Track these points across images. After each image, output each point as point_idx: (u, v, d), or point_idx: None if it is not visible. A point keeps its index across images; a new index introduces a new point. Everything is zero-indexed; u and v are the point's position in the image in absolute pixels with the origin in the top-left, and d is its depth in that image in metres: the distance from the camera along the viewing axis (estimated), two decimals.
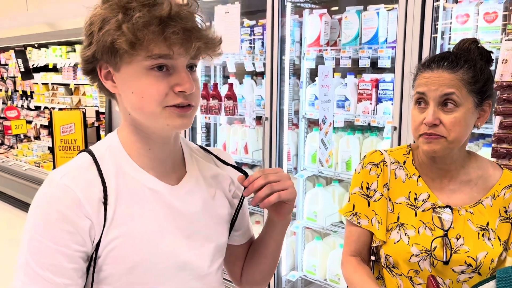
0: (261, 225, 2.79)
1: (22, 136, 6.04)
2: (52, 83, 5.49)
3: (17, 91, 6.11)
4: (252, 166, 3.00)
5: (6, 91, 6.32)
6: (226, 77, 3.27)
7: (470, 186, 1.14)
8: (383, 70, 2.37)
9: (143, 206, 0.84)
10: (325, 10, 2.49)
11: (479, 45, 1.11)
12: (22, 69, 5.09)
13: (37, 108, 5.80)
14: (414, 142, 1.43)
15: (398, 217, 1.14)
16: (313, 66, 2.59)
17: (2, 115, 6.29)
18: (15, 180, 5.21)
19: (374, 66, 2.44)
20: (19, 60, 5.09)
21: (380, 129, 2.50)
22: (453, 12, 1.98)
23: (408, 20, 2.00)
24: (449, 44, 2.01)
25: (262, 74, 2.94)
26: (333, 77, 2.43)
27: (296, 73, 2.69)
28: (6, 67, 6.21)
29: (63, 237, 0.77)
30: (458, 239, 1.08)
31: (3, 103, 6.42)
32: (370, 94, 2.35)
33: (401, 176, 1.17)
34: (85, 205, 0.79)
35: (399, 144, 2.08)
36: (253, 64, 2.81)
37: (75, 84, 5.15)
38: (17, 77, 5.89)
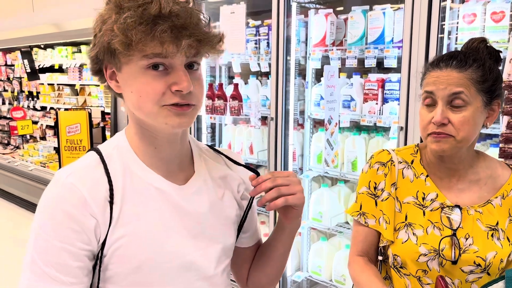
0: (266, 226, 2.79)
1: (28, 137, 6.07)
2: (58, 84, 5.52)
3: (23, 91, 6.14)
4: (257, 167, 2.99)
5: (12, 92, 6.36)
6: (231, 77, 3.27)
7: (479, 185, 1.13)
8: (388, 70, 2.36)
9: (150, 205, 0.84)
10: (330, 10, 2.49)
11: (488, 44, 1.10)
12: (28, 70, 5.12)
13: (43, 108, 5.83)
14: (420, 142, 1.42)
15: (406, 216, 1.13)
16: (318, 66, 2.59)
17: (8, 116, 6.33)
18: (21, 180, 5.23)
19: (379, 66, 2.43)
20: (25, 61, 5.11)
21: (386, 129, 2.49)
22: (460, 12, 1.97)
23: (415, 20, 2.00)
24: (456, 43, 2.00)
25: (267, 74, 2.94)
26: (339, 77, 2.42)
27: (301, 73, 2.68)
28: (12, 67, 6.25)
29: (68, 236, 0.78)
30: (467, 239, 1.08)
31: (10, 103, 6.46)
32: (376, 94, 2.34)
33: (409, 176, 1.16)
34: (91, 204, 0.79)
35: (405, 144, 2.07)
36: (259, 64, 2.81)
37: (80, 85, 5.17)
38: (23, 77, 5.92)
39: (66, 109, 4.52)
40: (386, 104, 2.32)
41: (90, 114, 3.59)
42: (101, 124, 3.89)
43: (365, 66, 2.36)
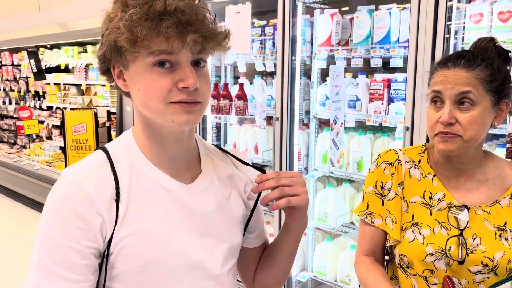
0: (271, 226, 2.79)
1: (34, 136, 6.10)
2: (64, 84, 5.54)
3: (30, 91, 6.18)
4: (262, 167, 2.99)
5: (19, 92, 6.40)
6: (236, 77, 3.27)
7: (488, 185, 1.12)
8: (394, 70, 2.36)
9: (156, 204, 0.84)
10: (336, 10, 2.48)
11: (497, 43, 1.10)
12: (35, 70, 5.15)
13: (49, 108, 5.86)
14: (426, 142, 1.42)
15: (413, 216, 1.13)
16: (324, 66, 2.59)
17: (15, 115, 6.37)
18: (27, 180, 5.26)
19: (385, 66, 2.42)
20: (32, 61, 5.14)
21: (391, 130, 2.48)
22: (466, 11, 1.96)
23: (421, 20, 1.99)
24: (463, 43, 1.99)
25: (272, 74, 2.93)
26: (345, 77, 2.42)
27: (306, 73, 2.68)
28: (19, 67, 6.29)
29: (75, 234, 0.78)
30: (474, 239, 1.07)
31: (16, 103, 6.50)
32: (382, 94, 2.34)
33: (416, 175, 1.16)
34: (97, 202, 0.79)
35: (411, 144, 2.06)
36: (264, 64, 2.81)
37: (86, 85, 5.20)
38: (29, 77, 5.95)
39: (72, 109, 4.55)
40: (392, 104, 2.32)
41: (96, 114, 3.60)
42: (107, 124, 3.90)
43: (371, 66, 2.35)
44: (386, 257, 1.17)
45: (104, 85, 4.80)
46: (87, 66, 5.05)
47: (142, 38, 0.75)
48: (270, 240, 1.09)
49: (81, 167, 0.83)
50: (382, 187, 1.17)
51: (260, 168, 1.00)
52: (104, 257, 0.82)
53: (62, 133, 3.88)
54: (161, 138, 0.87)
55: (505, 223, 1.09)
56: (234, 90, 2.92)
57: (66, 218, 0.78)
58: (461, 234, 1.07)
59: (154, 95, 0.79)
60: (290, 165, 2.61)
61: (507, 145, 1.63)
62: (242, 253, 1.01)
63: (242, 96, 2.80)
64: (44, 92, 5.87)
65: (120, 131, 3.68)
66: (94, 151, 0.90)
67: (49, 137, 5.96)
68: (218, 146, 1.03)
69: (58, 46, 5.51)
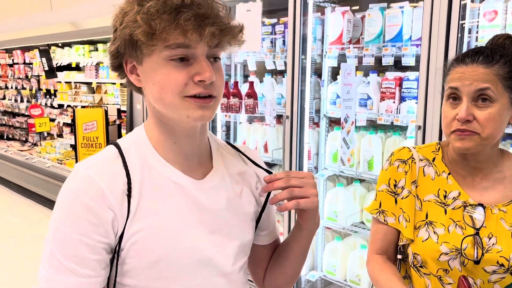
0: (281, 225, 2.78)
1: (45, 134, 6.16)
2: (74, 82, 5.58)
3: (41, 89, 6.23)
4: (271, 165, 2.99)
5: (31, 90, 6.46)
6: (246, 76, 3.27)
7: (504, 184, 1.10)
8: (405, 68, 2.33)
9: (167, 200, 0.84)
10: (347, 8, 2.47)
11: None
12: (46, 68, 5.19)
13: (60, 106, 5.91)
14: (440, 140, 1.40)
15: (427, 215, 1.11)
16: (335, 65, 2.57)
17: (26, 113, 6.43)
18: (39, 177, 5.32)
19: (396, 65, 2.40)
20: (43, 59, 5.19)
21: (403, 128, 2.46)
22: (480, 9, 1.93)
23: (434, 17, 1.97)
24: (476, 41, 1.96)
25: (282, 73, 2.93)
26: (355, 75, 2.40)
27: (317, 71, 2.66)
28: (31, 66, 6.35)
29: (86, 228, 0.78)
30: (490, 238, 1.05)
31: (28, 101, 6.57)
32: (394, 92, 2.32)
33: (430, 174, 1.14)
34: (109, 197, 0.79)
35: (423, 143, 2.04)
36: (274, 62, 2.80)
37: (97, 83, 5.23)
38: (41, 75, 6.01)
39: (82, 107, 4.58)
40: (403, 102, 2.29)
41: (106, 112, 3.62)
42: (117, 122, 3.92)
43: (382, 65, 2.33)
44: (399, 256, 1.16)
45: (114, 83, 4.83)
46: (97, 64, 5.08)
47: (160, 31, 0.75)
48: (281, 239, 1.09)
49: (93, 162, 0.83)
50: (395, 185, 1.15)
51: (266, 168, 1.00)
52: (115, 253, 0.82)
53: (73, 131, 3.91)
54: (174, 134, 0.86)
55: None
56: (244, 88, 2.92)
57: (78, 212, 0.78)
58: (477, 234, 1.05)
59: (169, 89, 0.79)
60: (300, 164, 2.60)
61: None
62: (253, 251, 1.01)
63: (252, 94, 2.80)
64: (55, 90, 5.92)
65: (130, 129, 3.70)
66: (105, 146, 0.90)
67: (60, 135, 6.00)
68: (228, 143, 1.02)
69: (69, 45, 5.56)
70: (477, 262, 1.04)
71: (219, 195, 0.90)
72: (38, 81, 6.24)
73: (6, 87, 7.10)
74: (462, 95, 1.03)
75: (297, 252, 1.01)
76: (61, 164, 5.31)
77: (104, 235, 0.79)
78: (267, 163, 2.98)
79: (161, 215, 0.83)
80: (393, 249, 1.17)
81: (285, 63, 2.65)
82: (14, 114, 7.11)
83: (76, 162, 3.75)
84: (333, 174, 2.69)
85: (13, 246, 4.23)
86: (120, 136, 3.94)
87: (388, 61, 2.30)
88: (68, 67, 5.55)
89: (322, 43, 2.60)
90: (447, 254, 1.06)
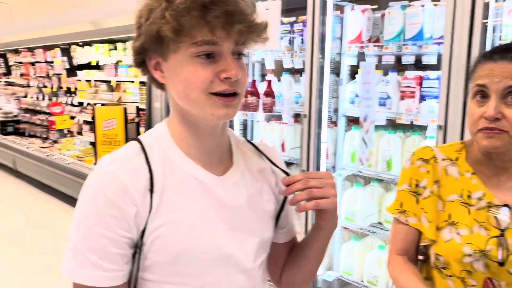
0: (298, 224, 2.77)
1: (65, 131, 6.27)
2: (94, 80, 5.67)
3: (62, 87, 6.34)
4: (289, 164, 2.98)
5: (52, 88, 6.58)
6: (263, 75, 3.27)
7: None
8: (425, 67, 2.30)
9: (189, 195, 0.84)
10: (367, 6, 2.44)
11: None
12: (67, 67, 5.28)
13: (80, 104, 6.00)
14: (462, 140, 1.38)
15: (450, 215, 1.09)
16: (354, 63, 2.55)
17: (47, 111, 6.55)
18: (59, 174, 5.41)
19: (416, 64, 2.37)
20: (64, 58, 5.28)
21: (422, 128, 2.42)
22: (504, 8, 1.89)
23: (457, 16, 1.93)
24: (500, 40, 1.92)
25: (300, 71, 2.91)
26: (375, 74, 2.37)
27: (335, 70, 2.65)
28: (52, 64, 6.46)
29: (109, 222, 0.79)
30: None
31: (49, 99, 6.69)
32: (414, 91, 2.28)
33: (453, 173, 1.12)
34: (132, 192, 0.80)
35: (444, 143, 2.01)
36: (292, 61, 2.79)
37: (116, 81, 5.30)
38: (62, 74, 6.11)
39: (102, 105, 4.64)
40: (423, 102, 2.26)
41: (125, 110, 3.67)
42: (136, 120, 3.97)
43: (402, 63, 2.30)
44: (420, 257, 1.14)
45: (133, 82, 4.89)
46: (117, 63, 5.14)
47: (190, 28, 0.75)
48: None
49: (116, 157, 0.84)
50: (417, 185, 1.14)
51: (283, 169, 0.99)
52: (137, 247, 0.82)
53: (92, 129, 3.97)
54: (196, 131, 0.87)
55: None
56: (261, 87, 2.92)
57: (101, 206, 0.79)
58: (502, 235, 1.03)
59: (195, 86, 0.79)
60: (317, 163, 2.59)
61: None
62: (270, 248, 1.00)
63: (270, 93, 2.79)
64: (75, 89, 6.02)
65: (148, 126, 3.73)
66: (126, 143, 0.91)
67: (80, 132, 6.10)
68: (248, 140, 1.03)
69: (89, 44, 5.64)
70: (501, 263, 1.02)
71: (240, 191, 0.90)
72: (59, 80, 6.35)
73: (28, 85, 7.24)
74: (490, 93, 1.01)
75: (315, 252, 1.01)
76: (81, 161, 5.39)
77: (127, 229, 0.80)
78: (284, 162, 2.97)
79: (183, 211, 0.83)
80: (414, 250, 1.16)
81: (303, 62, 2.63)
82: (35, 112, 7.26)
83: (96, 159, 3.81)
84: (351, 174, 2.67)
85: (33, 241, 4.32)
86: (138, 134, 3.99)
87: (408, 59, 2.27)
88: (88, 66, 5.64)
89: (341, 41, 2.58)
90: (470, 255, 1.04)
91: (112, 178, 0.80)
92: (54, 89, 6.54)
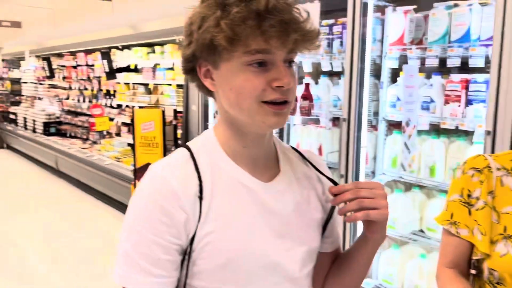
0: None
1: (104, 133, 6.45)
2: (132, 83, 5.80)
3: (102, 90, 6.53)
4: None
5: (92, 90, 6.79)
6: (300, 77, 3.23)
7: None
8: (470, 70, 2.21)
9: (237, 202, 0.84)
10: (410, 7, 2.37)
11: None
12: (107, 70, 5.43)
13: (119, 106, 6.16)
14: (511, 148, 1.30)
15: (505, 228, 1.04)
16: (395, 66, 2.48)
17: (88, 113, 6.76)
18: (98, 174, 5.57)
19: (461, 66, 2.28)
20: (104, 61, 5.44)
21: (468, 133, 2.33)
22: None
23: (507, 16, 1.84)
24: None
25: (338, 74, 2.87)
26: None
27: (375, 73, 2.59)
28: (93, 67, 6.67)
29: (160, 229, 0.79)
30: None
31: (89, 101, 6.91)
32: (459, 95, 2.20)
33: (509, 184, 1.07)
34: (182, 198, 0.80)
35: (492, 150, 1.92)
36: (331, 63, 2.75)
37: (154, 84, 5.40)
38: (101, 77, 6.29)
39: (140, 107, 4.74)
40: (469, 106, 2.17)
41: (163, 112, 3.73)
42: (173, 122, 4.03)
43: (447, 66, 2.22)
44: (472, 271, 1.09)
45: (170, 85, 4.96)
46: (154, 66, 5.24)
47: (245, 37, 0.75)
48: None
49: (167, 163, 0.85)
50: (469, 196, 1.08)
51: (330, 178, 0.97)
52: (186, 254, 0.82)
53: (131, 130, 4.05)
54: (244, 138, 0.87)
55: None
56: (299, 90, 2.89)
57: (152, 212, 0.79)
58: None
59: (248, 94, 0.79)
60: (356, 168, 2.53)
61: None
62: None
63: (307, 96, 2.77)
64: (114, 91, 6.18)
65: (186, 129, 3.78)
66: (176, 148, 0.91)
67: (118, 134, 6.26)
68: (293, 147, 1.01)
69: (128, 47, 5.78)
70: None
71: (287, 198, 0.89)
72: (99, 82, 6.55)
73: (70, 88, 7.50)
74: None
75: (360, 264, 0.98)
76: (119, 161, 5.53)
77: (177, 236, 0.80)
78: None
79: (231, 218, 0.83)
80: (465, 263, 1.10)
81: (342, 64, 2.59)
82: (76, 114, 7.51)
83: (134, 160, 3.88)
84: (391, 180, 2.60)
85: (72, 239, 4.46)
86: (176, 136, 4.04)
87: (454, 62, 2.18)
88: (126, 69, 5.78)
89: (382, 44, 2.52)
90: None
91: (163, 184, 0.80)
92: (94, 92, 6.75)
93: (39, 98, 8.74)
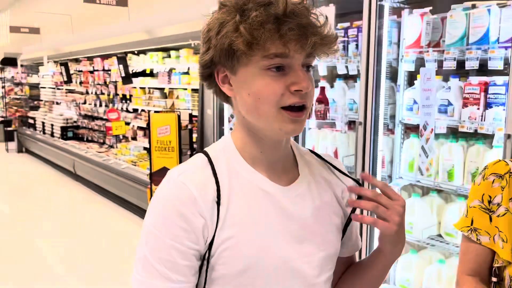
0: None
1: (121, 137, 6.52)
2: (148, 87, 5.86)
3: (118, 94, 6.61)
4: None
5: (108, 95, 6.88)
6: (315, 81, 3.23)
7: None
8: (488, 72, 2.17)
9: (255, 207, 0.84)
10: (426, 9, 2.35)
11: None
12: (123, 74, 5.49)
13: (135, 110, 6.23)
14: None
15: None
16: (412, 69, 2.45)
17: (104, 117, 6.85)
18: (114, 177, 5.63)
19: (480, 69, 2.24)
20: (121, 66, 5.50)
21: (487, 137, 2.29)
22: None
23: None
24: None
25: (354, 77, 2.85)
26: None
27: (391, 76, 2.56)
28: (109, 72, 6.76)
29: (178, 234, 0.79)
30: None
31: (106, 105, 7.00)
32: (478, 98, 2.16)
33: None
34: (200, 204, 0.80)
35: None
36: (346, 67, 2.74)
37: (169, 88, 5.44)
38: (118, 81, 6.37)
39: (155, 112, 4.78)
40: (489, 109, 2.13)
41: (179, 117, 3.75)
42: (189, 127, 4.05)
43: (466, 68, 2.19)
44: (494, 279, 1.07)
45: (185, 89, 5.00)
46: (170, 70, 5.29)
47: (265, 41, 0.75)
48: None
49: (185, 168, 0.85)
50: (489, 202, 1.06)
51: (354, 178, 0.96)
52: (204, 260, 0.82)
53: (148, 134, 4.09)
54: (261, 144, 0.87)
55: None
56: (314, 94, 2.88)
57: (170, 218, 0.80)
58: None
59: (267, 99, 0.79)
60: (373, 172, 2.51)
61: None
62: None
63: (323, 100, 2.75)
64: (130, 95, 6.25)
65: (201, 133, 3.80)
66: (194, 154, 0.92)
67: (134, 138, 6.33)
68: (311, 151, 1.01)
69: (144, 52, 5.84)
70: None
71: (306, 203, 0.89)
72: (115, 87, 6.63)
73: (87, 93, 7.61)
74: None
75: (373, 274, 0.97)
76: (135, 165, 5.58)
77: (195, 241, 0.80)
78: None
79: (250, 223, 0.83)
80: (487, 271, 1.08)
81: (358, 68, 2.57)
82: (93, 118, 7.61)
83: (150, 164, 3.91)
84: (408, 184, 2.57)
85: (89, 242, 4.51)
86: (191, 140, 4.06)
87: (472, 64, 2.15)
88: (142, 73, 5.84)
89: (398, 46, 2.50)
90: None
91: (181, 189, 0.81)
92: (111, 96, 6.83)
93: (57, 103, 8.89)
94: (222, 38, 0.78)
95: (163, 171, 3.76)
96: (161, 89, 5.67)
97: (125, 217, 5.24)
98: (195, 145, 4.05)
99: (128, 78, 5.58)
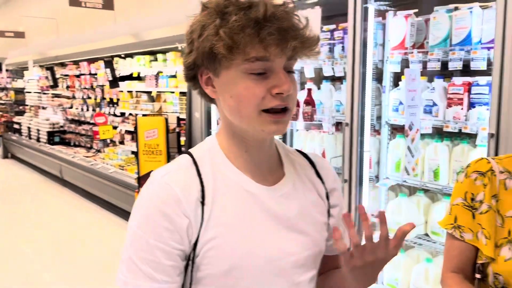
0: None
1: (108, 141, 6.46)
2: (136, 91, 5.82)
3: (105, 98, 6.55)
4: None
5: (95, 99, 6.82)
6: (302, 83, 3.24)
7: None
8: (472, 72, 2.20)
9: (240, 207, 0.84)
10: (411, 11, 2.38)
11: None
12: (110, 78, 5.46)
13: (122, 114, 6.18)
14: None
15: (510, 232, 1.03)
16: (397, 70, 2.48)
17: (91, 121, 6.78)
18: (102, 182, 5.58)
19: (463, 69, 2.28)
20: (108, 70, 5.46)
21: (471, 136, 2.32)
22: None
23: (508, 18, 1.84)
24: None
25: (340, 79, 2.87)
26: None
27: (377, 77, 2.59)
28: (96, 76, 6.70)
29: (162, 234, 0.79)
30: None
31: (93, 110, 6.93)
32: (462, 98, 2.19)
33: None
34: (184, 204, 0.80)
35: (496, 153, 1.91)
36: (333, 68, 2.76)
37: (157, 92, 5.41)
38: (105, 85, 6.32)
39: (143, 115, 4.75)
40: (472, 109, 2.17)
41: (167, 120, 3.73)
42: (177, 130, 4.03)
43: (449, 69, 2.22)
44: (477, 276, 1.08)
45: (173, 92, 4.98)
46: (157, 74, 5.26)
47: (244, 45, 0.75)
48: None
49: (169, 169, 0.85)
50: (472, 199, 1.08)
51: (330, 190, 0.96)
52: (189, 260, 0.82)
53: (134, 138, 4.06)
54: (245, 144, 0.87)
55: None
56: (301, 95, 2.89)
57: (154, 218, 0.80)
58: None
59: (247, 102, 0.80)
60: (360, 173, 2.53)
61: None
62: None
63: (310, 101, 2.77)
64: (117, 99, 6.20)
65: (189, 136, 3.79)
66: (179, 155, 0.92)
67: (122, 142, 6.28)
68: (298, 150, 1.01)
69: (131, 55, 5.81)
70: None
71: (291, 202, 0.89)
72: (102, 91, 6.57)
73: (74, 97, 7.54)
74: None
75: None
76: (123, 170, 5.54)
77: (179, 241, 0.80)
78: None
79: (234, 223, 0.83)
80: (470, 268, 1.10)
81: (344, 69, 2.59)
82: (80, 122, 7.54)
83: (138, 168, 3.89)
84: (395, 184, 2.59)
85: (76, 247, 4.46)
86: (179, 143, 4.05)
87: (455, 65, 2.18)
88: (129, 77, 5.80)
89: (383, 48, 2.52)
90: None
91: (165, 190, 0.81)
92: (98, 100, 6.77)
93: (43, 108, 8.79)
94: (203, 41, 0.79)
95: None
96: (149, 93, 5.64)
97: (113, 222, 5.19)
98: (183, 148, 4.03)
99: (115, 81, 5.55)
